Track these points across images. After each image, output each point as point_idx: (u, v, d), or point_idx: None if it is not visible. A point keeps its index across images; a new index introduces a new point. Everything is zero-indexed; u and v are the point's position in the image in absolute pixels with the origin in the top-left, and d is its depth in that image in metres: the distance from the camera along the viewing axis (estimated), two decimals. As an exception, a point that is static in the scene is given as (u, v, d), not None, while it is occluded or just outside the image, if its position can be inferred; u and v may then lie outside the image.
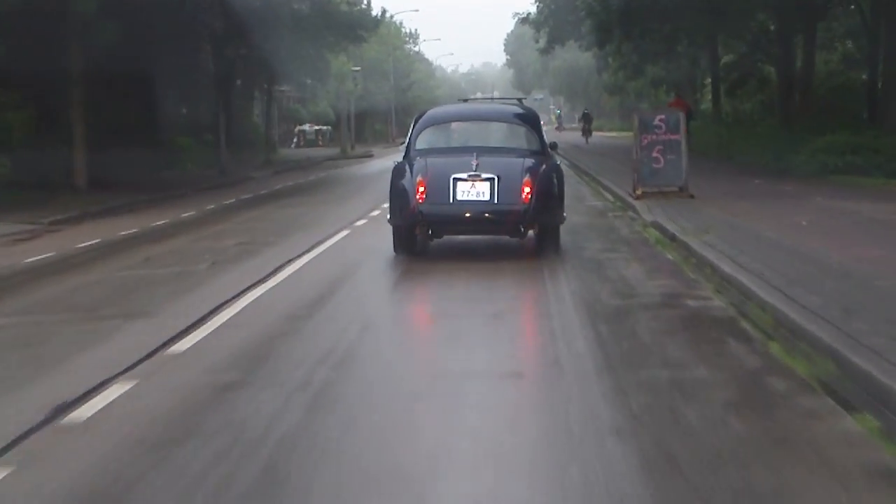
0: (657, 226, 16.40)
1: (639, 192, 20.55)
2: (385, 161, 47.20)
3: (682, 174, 20.77)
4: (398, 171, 13.48)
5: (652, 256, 13.53)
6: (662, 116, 21.02)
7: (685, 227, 15.44)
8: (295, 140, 66.80)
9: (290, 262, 13.53)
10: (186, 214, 22.64)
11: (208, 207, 24.40)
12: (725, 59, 50.14)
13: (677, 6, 31.67)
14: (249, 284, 11.71)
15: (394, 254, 13.97)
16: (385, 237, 16.24)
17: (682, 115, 21.17)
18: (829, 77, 43.87)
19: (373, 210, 20.97)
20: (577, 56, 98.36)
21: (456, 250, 14.56)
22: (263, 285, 11.74)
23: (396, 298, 11.19)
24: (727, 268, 11.41)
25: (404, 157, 13.70)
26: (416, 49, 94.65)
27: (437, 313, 10.37)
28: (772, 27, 41.78)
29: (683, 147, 20.82)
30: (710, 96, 58.41)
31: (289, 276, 12.48)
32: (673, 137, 20.86)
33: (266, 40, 40.10)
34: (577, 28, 46.53)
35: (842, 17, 43.58)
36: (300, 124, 67.57)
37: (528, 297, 11.14)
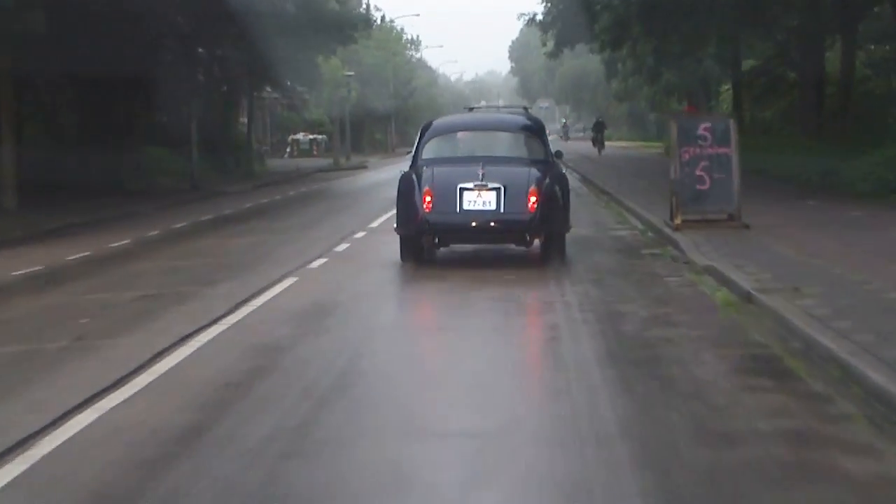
0: (717, 275, 11.69)
1: (678, 220, 15.85)
2: (380, 173, 42.46)
3: (733, 198, 16.08)
4: (405, 181, 13.22)
5: (730, 335, 8.80)
6: (708, 125, 16.31)
7: (760, 278, 10.76)
8: (288, 149, 62.03)
9: (186, 339, 8.84)
10: (118, 244, 17.98)
11: (150, 234, 19.74)
12: (747, 63, 45.54)
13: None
14: (94, 393, 7.05)
15: (342, 325, 9.46)
16: (339, 290, 11.65)
17: (731, 123, 16.45)
18: (858, 83, 39.31)
19: (341, 242, 16.31)
20: (584, 62, 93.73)
21: (435, 332, 9.95)
22: (114, 393, 7.07)
23: (315, 439, 6.29)
24: (873, 374, 6.72)
25: (411, 167, 13.47)
26: (418, 56, 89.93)
27: (387, 488, 5.57)
28: (794, 24, 37.10)
29: (735, 163, 16.12)
30: (726, 105, 53.95)
31: (167, 371, 7.78)
32: (721, 151, 16.16)
33: (243, 40, 35.48)
34: (587, 29, 41.81)
35: (868, 18, 39.08)
36: (294, 133, 62.82)
37: (546, 439, 6.31)
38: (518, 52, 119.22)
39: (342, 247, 15.73)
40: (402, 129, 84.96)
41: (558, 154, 14.46)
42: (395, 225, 13.51)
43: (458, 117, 16.59)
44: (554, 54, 48.09)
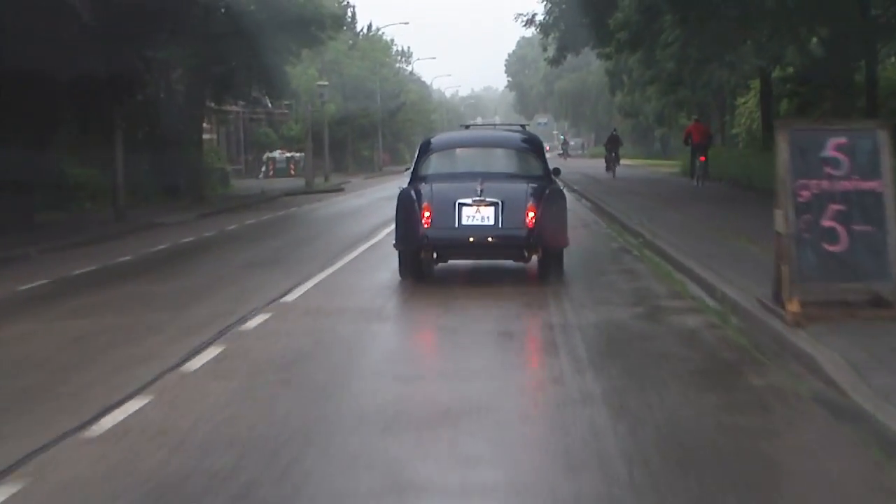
0: None
1: (793, 304, 8.80)
2: (355, 199, 35.32)
3: (889, 267, 9.03)
4: (404, 197, 12.87)
5: None
6: (842, 139, 9.24)
7: None
8: (264, 169, 54.96)
9: None
10: None
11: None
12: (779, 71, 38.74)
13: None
14: None
15: None
16: None
17: (882, 137, 9.35)
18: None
19: (211, 344, 9.23)
20: (584, 75, 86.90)
21: None
22: None
23: None
24: None
25: (410, 183, 13.20)
26: (409, 69, 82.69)
27: None
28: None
29: (892, 206, 9.08)
30: (745, 119, 47.09)
31: None
32: (867, 185, 9.14)
33: (179, 38, 28.54)
34: (595, 29, 34.82)
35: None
36: (270, 151, 55.70)
37: None
38: (515, 66, 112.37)
39: (204, 358, 8.61)
40: (393, 146, 77.99)
41: (556, 171, 13.99)
42: (393, 241, 13.19)
43: (456, 134, 16.34)
44: (556, 60, 40.76)
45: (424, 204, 12.38)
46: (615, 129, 44.31)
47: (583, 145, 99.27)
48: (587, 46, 38.85)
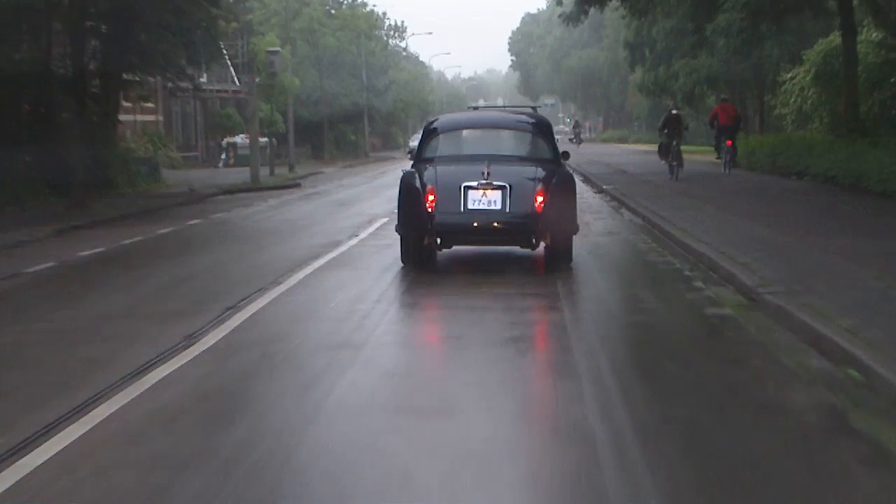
0: None
1: None
2: (303, 204, 24.64)
3: None
4: (408, 179, 12.02)
5: None
6: None
7: None
8: (223, 156, 44.70)
9: None
10: None
11: None
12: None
13: None
14: None
15: None
16: None
17: None
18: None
19: None
20: (595, 53, 76.63)
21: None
22: None
23: None
24: None
25: (413, 165, 12.43)
26: (404, 44, 72.01)
27: None
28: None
29: None
30: (795, 98, 36.79)
31: None
32: None
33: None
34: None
35: None
36: (232, 135, 45.39)
37: None
38: (519, 44, 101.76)
39: None
40: (384, 129, 67.50)
41: (565, 154, 12.75)
42: (395, 224, 12.16)
43: (463, 115, 15.30)
44: (573, 17, 29.88)
45: (429, 187, 11.46)
46: (674, 108, 30.34)
47: (589, 129, 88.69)
48: (614, -1, 28.18)
